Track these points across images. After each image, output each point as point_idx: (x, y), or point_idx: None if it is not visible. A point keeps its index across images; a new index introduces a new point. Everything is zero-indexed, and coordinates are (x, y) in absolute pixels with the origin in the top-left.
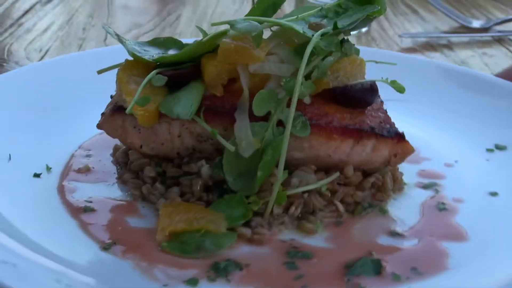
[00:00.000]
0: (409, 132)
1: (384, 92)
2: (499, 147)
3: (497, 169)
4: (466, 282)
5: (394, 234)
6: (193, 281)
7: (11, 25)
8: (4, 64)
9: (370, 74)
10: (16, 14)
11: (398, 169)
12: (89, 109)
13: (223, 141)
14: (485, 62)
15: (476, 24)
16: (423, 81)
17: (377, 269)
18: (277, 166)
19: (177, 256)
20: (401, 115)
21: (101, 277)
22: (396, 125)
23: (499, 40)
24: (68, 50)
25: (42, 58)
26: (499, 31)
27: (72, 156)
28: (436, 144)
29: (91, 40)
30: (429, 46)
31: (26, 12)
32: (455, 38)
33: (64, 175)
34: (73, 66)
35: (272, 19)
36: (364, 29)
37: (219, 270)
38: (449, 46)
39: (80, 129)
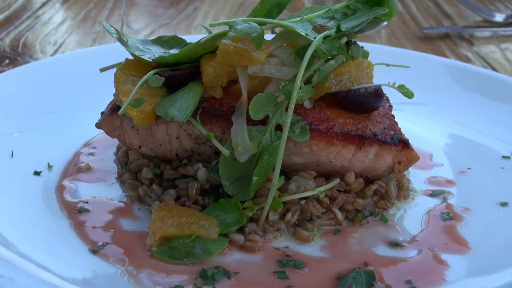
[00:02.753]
0: (423, 137)
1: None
2: None
3: (511, 178)
4: None
5: (393, 245)
6: None
7: (27, 18)
8: (18, 58)
9: (387, 75)
10: (33, 6)
11: (405, 176)
12: (98, 106)
13: (218, 145)
14: (507, 57)
15: (499, 18)
16: (442, 83)
17: (370, 281)
18: (274, 171)
19: (166, 262)
20: (417, 118)
21: (86, 282)
22: (410, 129)
23: None
24: (82, 44)
25: (56, 51)
26: None
27: (76, 154)
28: (450, 150)
29: (106, 33)
30: (450, 40)
31: (44, 4)
32: (477, 32)
33: (64, 173)
34: (83, 62)
35: (274, 20)
36: (384, 23)
37: (206, 278)
38: (471, 40)
39: (87, 126)
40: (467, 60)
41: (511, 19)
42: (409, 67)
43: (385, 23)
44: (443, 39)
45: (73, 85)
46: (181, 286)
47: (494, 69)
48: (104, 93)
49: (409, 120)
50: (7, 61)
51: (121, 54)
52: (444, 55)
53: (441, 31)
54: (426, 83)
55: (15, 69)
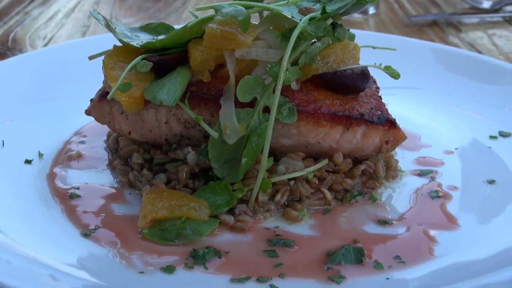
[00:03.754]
0: (411, 119)
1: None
2: (503, 134)
3: (498, 157)
4: (448, 270)
5: (382, 223)
6: (169, 268)
7: (17, 13)
8: (8, 52)
9: (375, 59)
10: (23, 2)
11: (393, 156)
12: (88, 96)
13: (207, 128)
14: (494, 43)
15: (486, 4)
16: (430, 67)
17: (359, 257)
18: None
19: (157, 243)
20: (405, 102)
21: (79, 264)
22: (398, 112)
23: (510, 21)
24: (72, 37)
25: (45, 45)
26: (510, 11)
27: (66, 142)
28: (439, 131)
29: (96, 27)
30: (438, 27)
31: None
32: (464, 19)
33: (55, 161)
34: (73, 53)
35: (259, 3)
36: (372, 11)
37: (197, 258)
38: (458, 27)
39: (77, 115)
40: (455, 46)
41: (498, 6)
42: (395, 49)
43: (373, 9)
44: (431, 26)
45: (63, 75)
46: (173, 266)
47: (482, 54)
48: (94, 82)
49: (397, 104)
50: None
51: (109, 44)
52: (433, 42)
53: (429, 18)
54: (413, 67)
55: (7, 60)
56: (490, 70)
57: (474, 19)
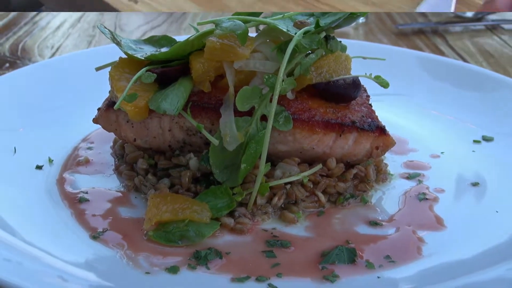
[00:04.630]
0: (399, 125)
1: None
2: (486, 139)
3: (481, 160)
4: (435, 270)
5: (373, 224)
6: (174, 269)
7: (25, 23)
8: (18, 61)
9: (365, 68)
10: (31, 13)
11: (382, 160)
12: (95, 104)
13: (208, 136)
14: (478, 50)
15: (469, 13)
16: (416, 74)
17: (352, 257)
18: (260, 158)
19: (162, 245)
20: (394, 108)
21: (88, 265)
22: (387, 118)
23: (492, 29)
24: (78, 46)
25: (53, 55)
26: (492, 20)
27: (75, 148)
28: (425, 136)
29: (101, 37)
30: (424, 36)
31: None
32: (449, 27)
33: (64, 167)
34: (80, 63)
35: (257, 18)
36: (361, 20)
37: (199, 258)
38: (443, 35)
39: (85, 122)
40: (441, 53)
41: (480, 15)
42: (384, 59)
43: (362, 19)
44: (417, 34)
45: (71, 85)
46: (177, 266)
47: (466, 61)
48: (100, 91)
49: (386, 110)
50: (7, 64)
51: (115, 55)
52: (419, 49)
53: (416, 26)
54: (401, 75)
55: (19, 70)
56: (473, 78)
57: (458, 27)
